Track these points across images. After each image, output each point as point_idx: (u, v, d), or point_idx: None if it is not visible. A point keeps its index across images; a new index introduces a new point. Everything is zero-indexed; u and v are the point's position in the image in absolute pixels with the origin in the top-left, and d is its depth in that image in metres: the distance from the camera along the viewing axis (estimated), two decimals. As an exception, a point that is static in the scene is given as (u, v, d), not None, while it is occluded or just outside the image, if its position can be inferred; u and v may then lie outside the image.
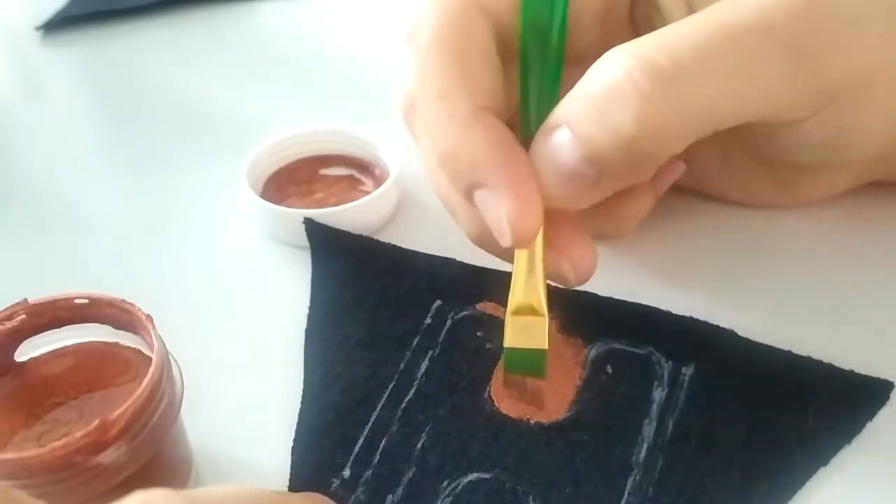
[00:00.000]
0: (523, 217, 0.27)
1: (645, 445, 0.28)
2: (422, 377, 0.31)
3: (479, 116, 0.28)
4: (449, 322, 0.33)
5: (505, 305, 0.30)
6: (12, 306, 0.27)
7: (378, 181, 0.39)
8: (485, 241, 0.30)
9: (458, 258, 0.35)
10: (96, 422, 0.24)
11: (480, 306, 0.33)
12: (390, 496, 0.28)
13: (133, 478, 0.25)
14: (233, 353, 0.33)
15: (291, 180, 0.40)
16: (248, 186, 0.38)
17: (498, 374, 0.31)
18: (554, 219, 0.29)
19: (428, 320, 0.33)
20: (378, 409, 0.30)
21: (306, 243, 0.37)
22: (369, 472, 0.28)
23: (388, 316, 0.33)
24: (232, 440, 0.30)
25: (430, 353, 0.32)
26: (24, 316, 0.27)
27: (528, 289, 0.29)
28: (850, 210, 0.37)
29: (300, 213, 0.37)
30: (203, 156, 0.44)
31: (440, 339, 0.32)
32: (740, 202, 0.37)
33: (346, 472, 0.28)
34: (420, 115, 0.30)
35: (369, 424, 0.30)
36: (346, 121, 0.41)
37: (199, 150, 0.44)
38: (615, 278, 0.34)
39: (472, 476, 0.28)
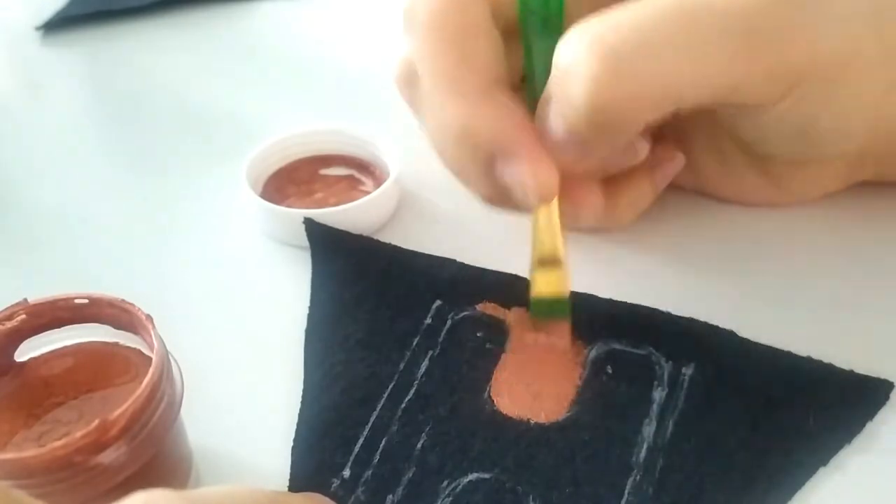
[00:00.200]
0: (545, 179, 0.29)
1: (645, 445, 0.28)
2: (422, 377, 0.31)
3: (489, 92, 0.30)
4: (449, 322, 0.33)
5: (505, 306, 0.33)
6: (12, 306, 0.27)
7: (378, 181, 0.39)
8: (498, 202, 0.32)
9: (459, 258, 0.35)
10: (96, 422, 0.23)
11: (480, 307, 0.33)
12: (390, 496, 0.28)
13: (133, 478, 0.25)
14: (233, 353, 0.33)
15: (291, 180, 0.40)
16: (248, 186, 0.38)
17: (498, 375, 0.31)
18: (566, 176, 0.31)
19: (428, 320, 0.33)
20: (378, 409, 0.30)
21: (306, 243, 0.37)
22: (369, 472, 0.28)
23: (388, 316, 0.33)
24: (232, 440, 0.30)
25: (430, 353, 0.32)
26: (24, 316, 0.27)
27: (549, 241, 0.31)
28: (849, 208, 0.37)
29: (300, 213, 0.37)
30: (203, 156, 0.44)
31: (440, 340, 0.32)
32: (737, 200, 0.37)
33: (346, 472, 0.28)
34: (427, 96, 0.31)
35: (369, 424, 0.30)
36: (345, 121, 0.41)
37: (198, 149, 0.44)
38: (615, 278, 0.34)
39: (472, 476, 0.28)
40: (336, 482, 0.28)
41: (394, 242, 0.37)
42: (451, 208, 0.39)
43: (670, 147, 0.35)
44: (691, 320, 0.32)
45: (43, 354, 0.28)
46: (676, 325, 0.32)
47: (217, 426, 0.30)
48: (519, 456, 0.29)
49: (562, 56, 0.28)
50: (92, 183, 0.43)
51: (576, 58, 0.28)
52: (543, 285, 0.32)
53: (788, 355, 0.31)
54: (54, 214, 0.41)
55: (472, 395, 0.30)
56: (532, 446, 0.29)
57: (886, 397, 0.29)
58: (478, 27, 0.31)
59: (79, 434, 0.23)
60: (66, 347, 0.28)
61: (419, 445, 0.29)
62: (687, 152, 0.36)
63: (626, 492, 0.27)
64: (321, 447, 0.29)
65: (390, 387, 0.31)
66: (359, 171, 0.41)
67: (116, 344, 0.28)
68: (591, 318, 0.32)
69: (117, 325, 0.28)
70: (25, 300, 0.27)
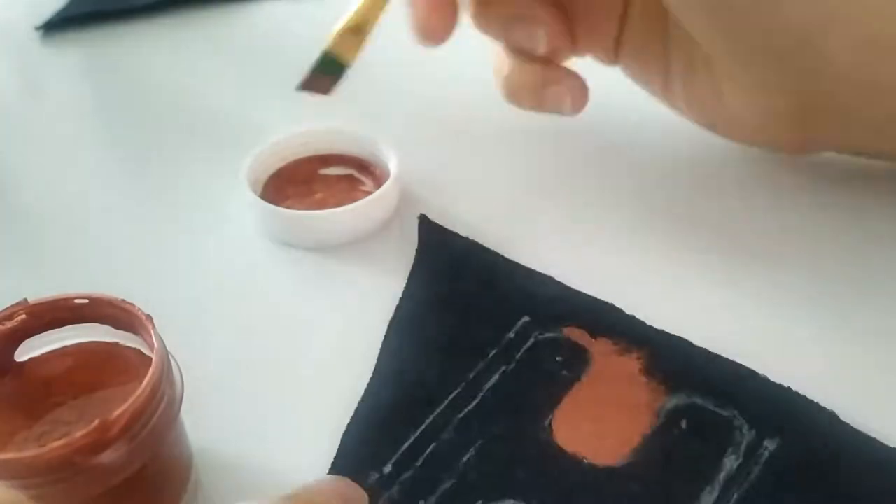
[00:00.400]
0: None
1: None
2: (488, 391, 0.30)
3: None
4: (532, 341, 0.32)
5: (592, 334, 0.32)
6: (12, 306, 0.27)
7: (378, 181, 0.39)
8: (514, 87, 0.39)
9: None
10: (96, 422, 0.23)
11: (567, 331, 0.32)
12: (421, 502, 0.27)
13: (133, 478, 0.25)
14: (233, 353, 0.33)
15: (291, 181, 0.40)
16: (248, 187, 0.38)
17: (565, 404, 0.30)
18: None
19: (511, 335, 0.32)
20: (435, 413, 0.30)
21: (305, 244, 0.37)
22: (409, 474, 0.28)
23: (472, 323, 0.33)
24: (232, 440, 0.30)
25: (504, 368, 0.31)
26: (24, 316, 0.27)
27: (364, 13, 0.36)
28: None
29: (298, 214, 0.37)
30: (203, 156, 0.44)
31: (518, 356, 0.31)
32: (698, 121, 0.38)
33: (388, 468, 0.28)
34: None
35: (423, 427, 0.29)
36: (345, 120, 0.41)
37: (198, 149, 0.44)
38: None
39: (509, 502, 0.27)
40: (375, 475, 0.28)
41: (393, 243, 0.37)
42: (450, 207, 0.39)
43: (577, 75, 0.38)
44: (790, 392, 0.30)
45: (43, 354, 0.28)
46: (771, 392, 0.30)
47: (217, 426, 0.30)
48: (561, 492, 0.27)
49: None
50: (92, 183, 0.43)
51: None
52: (339, 45, 0.36)
53: (891, 450, 0.28)
54: (54, 214, 0.41)
55: (532, 420, 0.29)
56: (577, 485, 0.27)
57: None
58: None
59: (79, 434, 0.23)
60: (66, 347, 0.28)
61: (465, 458, 0.28)
62: (665, 54, 0.37)
63: None
64: (370, 438, 0.29)
65: (454, 394, 0.30)
66: (359, 171, 0.41)
67: (116, 344, 0.28)
68: (680, 365, 0.31)
69: (117, 325, 0.28)
70: (25, 300, 0.27)
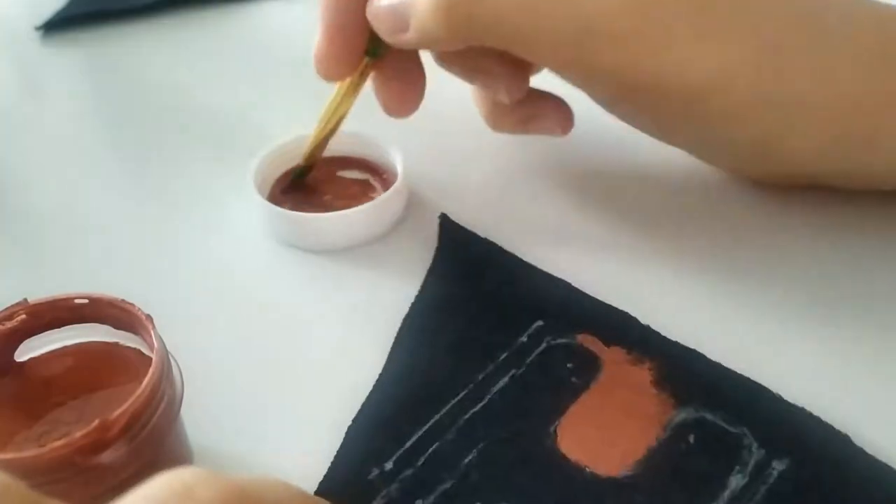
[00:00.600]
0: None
1: None
2: (495, 393, 0.30)
3: None
4: (543, 345, 0.32)
5: (605, 342, 0.32)
6: (12, 306, 0.27)
7: (386, 183, 0.39)
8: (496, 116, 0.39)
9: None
10: (96, 422, 0.23)
11: (580, 337, 0.32)
12: (419, 501, 0.27)
13: (133, 478, 0.25)
14: (233, 354, 0.33)
15: (298, 183, 0.40)
16: (255, 189, 0.38)
17: (572, 411, 0.29)
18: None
19: (523, 338, 0.32)
20: (441, 412, 0.30)
21: (307, 245, 0.37)
22: (410, 472, 0.28)
23: (485, 324, 0.32)
24: (232, 440, 0.30)
25: (514, 371, 0.31)
26: (24, 316, 0.27)
27: (316, 144, 0.39)
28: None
29: (305, 216, 0.37)
30: (202, 156, 0.44)
31: (528, 361, 0.31)
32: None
33: (389, 465, 0.28)
34: None
35: (427, 425, 0.29)
36: (350, 123, 0.41)
37: (198, 149, 0.44)
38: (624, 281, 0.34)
39: None
40: (376, 471, 0.28)
41: (400, 246, 0.37)
42: (459, 210, 0.38)
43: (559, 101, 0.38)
44: (803, 411, 0.29)
45: (43, 354, 0.28)
46: (784, 410, 0.29)
47: (217, 426, 0.30)
48: (561, 500, 0.27)
49: None
50: (92, 183, 0.43)
51: None
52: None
53: None
54: (54, 214, 0.41)
55: (537, 426, 0.29)
56: (578, 494, 0.27)
57: None
58: None
59: (79, 434, 0.23)
60: (66, 347, 0.28)
61: (467, 460, 0.28)
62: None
63: None
64: (374, 434, 0.29)
65: (461, 395, 0.30)
66: (366, 174, 0.41)
67: (116, 344, 0.28)
68: (691, 378, 0.30)
69: (117, 325, 0.28)
70: (25, 300, 0.27)
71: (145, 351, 0.28)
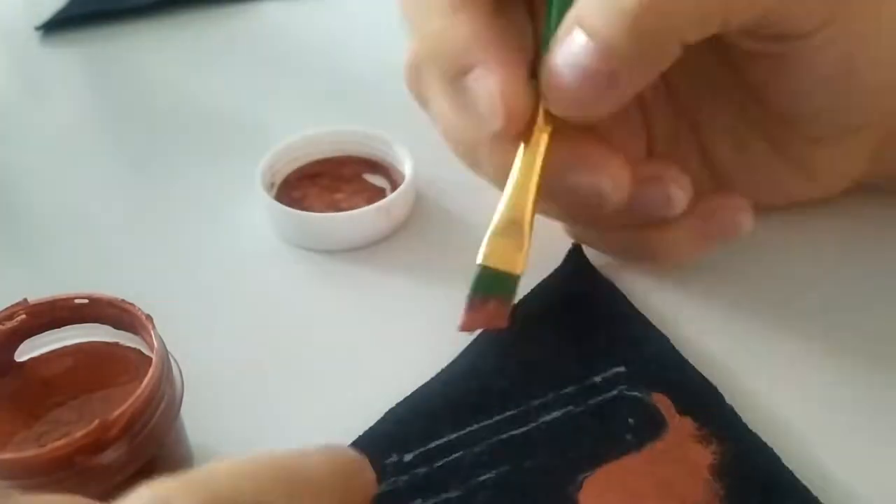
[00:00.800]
0: (514, 91, 0.27)
1: None
2: (542, 423, 0.29)
3: (462, 4, 0.28)
4: (614, 392, 0.30)
5: (679, 409, 0.29)
6: (12, 306, 0.27)
7: (394, 183, 0.39)
8: (473, 161, 0.31)
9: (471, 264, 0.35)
10: (96, 422, 0.23)
11: (655, 396, 0.29)
12: (419, 500, 0.27)
13: (133, 478, 0.25)
14: (233, 353, 0.33)
15: (305, 182, 0.40)
16: (262, 188, 0.38)
17: (607, 470, 0.27)
18: (587, 140, 0.29)
19: (597, 378, 0.30)
20: (480, 424, 0.29)
21: (313, 245, 0.37)
22: (424, 470, 0.28)
23: (567, 354, 0.31)
24: (232, 440, 0.30)
25: (570, 408, 0.29)
26: (24, 316, 0.27)
27: (518, 202, 0.28)
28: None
29: (311, 216, 0.37)
30: (203, 156, 0.44)
31: (591, 402, 0.29)
32: (757, 197, 0.35)
33: (409, 456, 0.28)
34: (408, 24, 0.30)
35: (461, 432, 0.29)
36: (355, 122, 0.41)
37: (198, 149, 0.44)
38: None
39: None
40: (395, 458, 0.28)
41: (407, 247, 0.37)
42: (466, 211, 0.38)
43: (735, 194, 0.32)
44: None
45: (43, 354, 0.28)
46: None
47: (217, 426, 0.30)
48: None
49: None
50: (92, 183, 0.43)
51: None
52: (497, 255, 0.28)
53: None
54: (54, 214, 0.41)
55: (566, 470, 0.27)
56: None
57: None
58: None
59: (79, 434, 0.23)
60: (66, 347, 0.28)
61: (482, 478, 0.27)
62: (702, 145, 0.34)
63: None
64: (410, 422, 0.29)
65: (508, 413, 0.29)
66: (373, 173, 0.40)
67: (116, 344, 0.28)
68: (753, 475, 0.27)
69: (117, 325, 0.28)
70: (25, 300, 0.27)
71: (145, 351, 0.28)
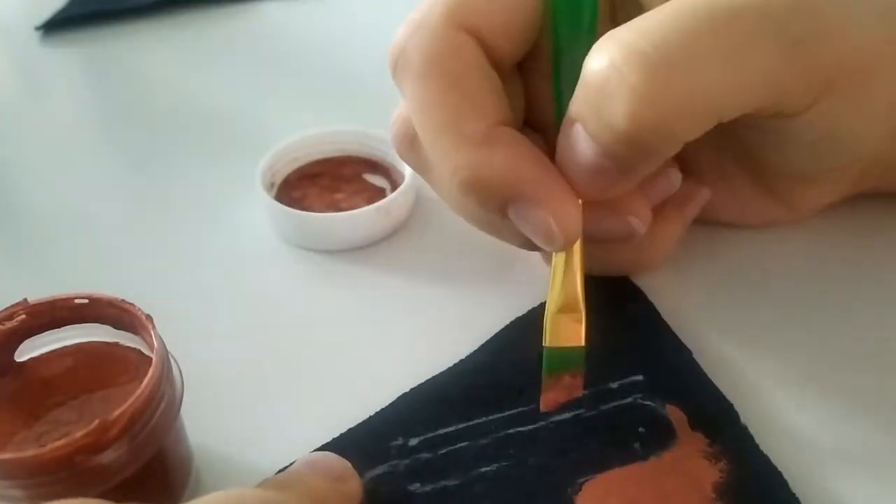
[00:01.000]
0: (569, 221, 0.27)
1: None
2: (551, 423, 0.29)
3: (496, 133, 0.28)
4: (629, 400, 0.30)
5: (691, 423, 0.29)
6: (12, 306, 0.27)
7: (394, 183, 0.39)
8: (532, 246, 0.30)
9: (471, 264, 0.35)
10: (96, 422, 0.23)
11: (669, 408, 0.29)
12: (417, 484, 0.27)
13: (133, 478, 0.25)
14: (233, 353, 0.33)
15: (304, 183, 0.40)
16: (262, 188, 0.38)
17: (608, 477, 0.27)
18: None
19: (613, 385, 0.30)
20: (490, 417, 0.29)
21: (313, 245, 0.37)
22: (426, 455, 0.28)
23: (589, 356, 0.30)
24: (232, 440, 0.30)
25: (582, 411, 0.29)
26: (24, 316, 0.27)
27: (569, 286, 0.29)
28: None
29: (311, 216, 0.37)
30: (202, 156, 0.44)
31: (603, 407, 0.29)
32: (739, 222, 0.36)
33: (413, 441, 0.28)
34: (430, 149, 0.29)
35: (469, 423, 0.29)
36: (355, 123, 0.41)
37: (198, 149, 0.44)
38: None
39: None
40: (399, 441, 0.28)
41: (407, 247, 0.37)
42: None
43: (692, 180, 0.33)
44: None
45: (43, 354, 0.28)
46: None
47: (217, 426, 0.30)
48: None
49: (592, 70, 0.26)
50: (92, 183, 0.43)
51: (611, 70, 0.25)
52: (559, 334, 0.29)
53: None
54: (54, 214, 0.41)
55: (567, 471, 0.27)
56: None
57: None
58: (475, 69, 0.29)
59: (79, 434, 0.23)
60: (66, 347, 0.28)
61: (482, 470, 0.28)
62: (688, 176, 0.33)
63: None
64: (419, 408, 0.29)
65: (518, 409, 0.29)
66: (373, 173, 0.41)
67: (116, 344, 0.28)
68: (761, 498, 0.27)
69: (117, 325, 0.28)
70: (25, 300, 0.27)
71: (145, 351, 0.28)
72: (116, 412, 0.24)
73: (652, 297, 0.33)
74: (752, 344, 0.32)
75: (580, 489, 0.27)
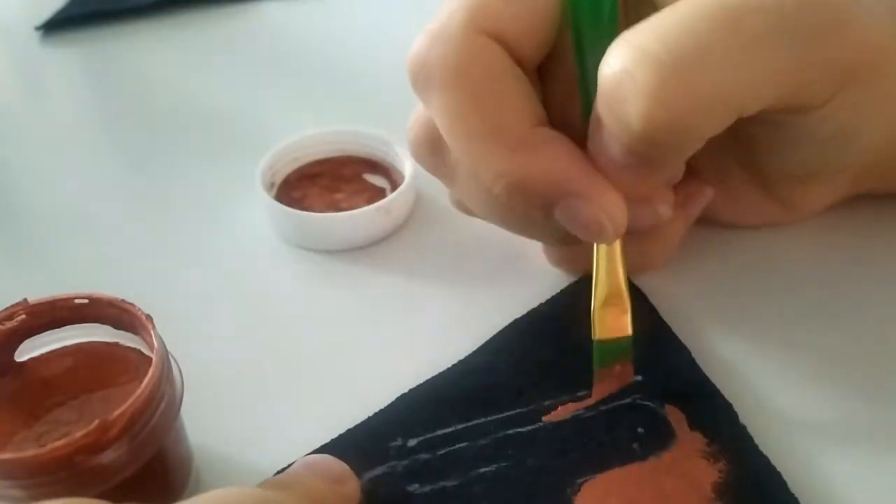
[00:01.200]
0: (617, 212, 0.28)
1: None
2: (548, 424, 0.29)
3: (535, 135, 0.28)
4: (627, 400, 0.30)
5: (690, 423, 0.29)
6: (12, 306, 0.27)
7: (394, 183, 0.39)
8: (568, 242, 0.31)
9: (472, 265, 0.35)
10: (96, 422, 0.23)
11: (668, 408, 0.29)
12: (416, 485, 0.27)
13: (133, 478, 0.25)
14: (233, 353, 0.33)
15: (305, 183, 0.40)
16: (262, 188, 0.38)
17: (606, 477, 0.27)
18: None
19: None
20: (489, 418, 0.29)
21: (313, 245, 0.37)
22: (425, 456, 0.28)
23: (586, 358, 0.30)
24: (232, 440, 0.30)
25: (581, 412, 0.29)
26: (24, 316, 0.27)
27: (610, 281, 0.29)
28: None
29: (311, 216, 0.37)
30: (203, 155, 0.44)
31: (602, 408, 0.29)
32: (736, 223, 0.36)
33: (412, 442, 0.28)
34: (464, 157, 0.29)
35: (468, 423, 0.29)
36: (355, 122, 0.41)
37: (198, 149, 0.44)
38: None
39: None
40: (399, 441, 0.28)
41: (407, 247, 0.37)
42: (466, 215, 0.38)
43: (695, 180, 0.33)
44: None
45: (43, 354, 0.28)
46: None
47: (217, 426, 0.30)
48: None
49: (607, 73, 0.26)
50: (92, 183, 0.43)
51: (623, 74, 0.25)
52: (606, 326, 0.29)
53: None
54: (54, 214, 0.41)
55: (566, 472, 0.27)
56: None
57: None
58: (505, 73, 0.28)
59: (79, 434, 0.23)
60: (66, 347, 0.28)
61: (480, 471, 0.28)
62: (690, 176, 0.33)
63: None
64: (419, 409, 0.29)
65: (517, 410, 0.29)
66: (379, 175, 0.41)
67: (116, 344, 0.28)
68: (760, 499, 0.27)
69: (117, 325, 0.28)
70: (25, 300, 0.27)
71: (145, 351, 0.28)
72: (116, 412, 0.24)
73: (652, 297, 0.33)
74: (752, 344, 0.32)
75: (579, 489, 0.27)
